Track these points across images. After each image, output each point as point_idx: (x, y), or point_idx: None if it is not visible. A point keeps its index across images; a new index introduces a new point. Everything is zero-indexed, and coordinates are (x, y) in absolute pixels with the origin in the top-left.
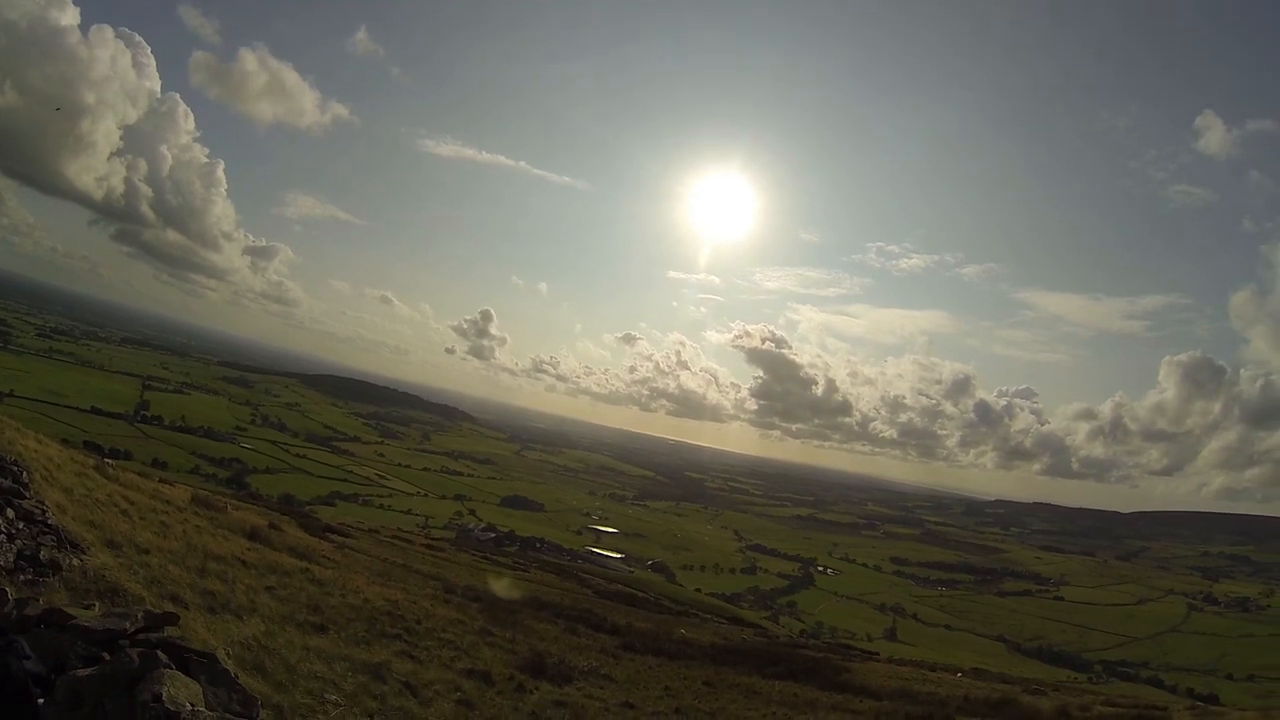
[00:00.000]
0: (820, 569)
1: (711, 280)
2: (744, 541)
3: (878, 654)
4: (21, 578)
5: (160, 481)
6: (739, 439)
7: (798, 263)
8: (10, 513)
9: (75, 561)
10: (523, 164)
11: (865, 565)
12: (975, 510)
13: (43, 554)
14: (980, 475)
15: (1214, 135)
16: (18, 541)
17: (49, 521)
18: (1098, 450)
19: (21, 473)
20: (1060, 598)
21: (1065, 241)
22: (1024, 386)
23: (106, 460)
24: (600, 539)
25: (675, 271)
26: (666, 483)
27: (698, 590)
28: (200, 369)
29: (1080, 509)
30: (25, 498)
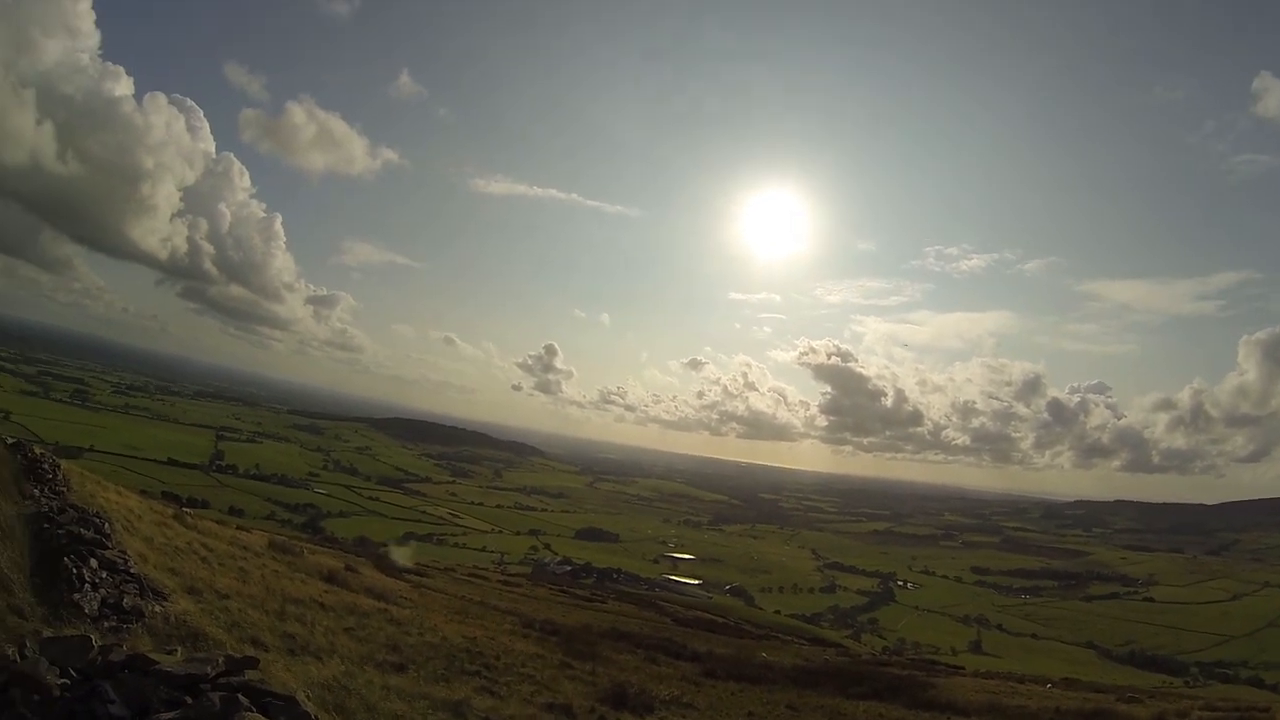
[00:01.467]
0: (900, 583)
1: (773, 299)
2: (822, 560)
3: (963, 668)
4: (106, 625)
5: (237, 528)
6: (811, 457)
7: (857, 273)
8: (94, 563)
9: (157, 608)
10: (575, 196)
11: (946, 577)
12: (1055, 513)
13: (126, 601)
14: (1058, 476)
15: (1273, 97)
16: (101, 590)
17: (131, 570)
18: (1179, 441)
19: (104, 524)
20: (1150, 599)
21: (1127, 226)
22: (1096, 381)
23: (185, 509)
24: (677, 566)
25: (736, 293)
26: (741, 505)
27: (777, 612)
28: (271, 418)
29: (1164, 504)
30: (108, 548)
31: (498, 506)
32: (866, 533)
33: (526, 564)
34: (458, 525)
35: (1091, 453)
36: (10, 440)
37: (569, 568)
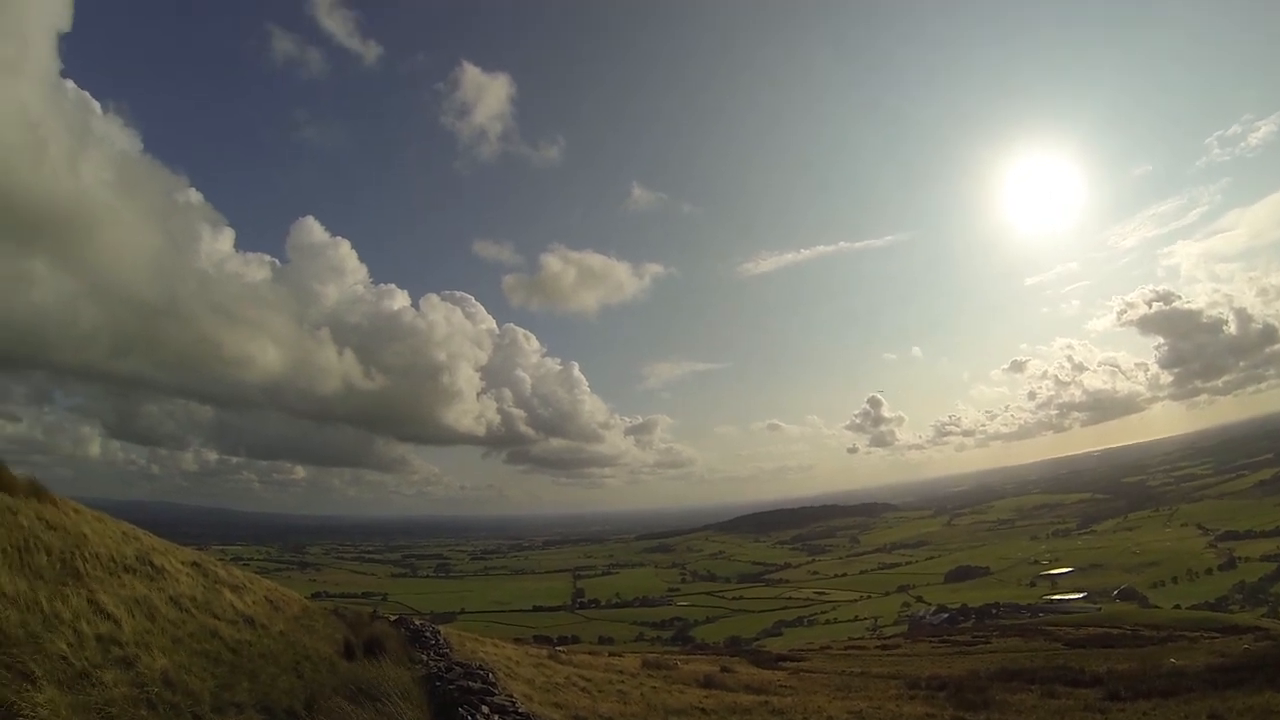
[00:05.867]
0: None
1: (1069, 268)
2: (1210, 533)
3: None
4: None
5: (610, 655)
6: (1166, 421)
7: (1143, 203)
8: (485, 709)
9: None
10: (841, 244)
11: None
12: None
13: None
14: None
15: None
16: None
17: (519, 710)
18: None
19: (488, 674)
20: None
21: None
22: None
23: (557, 648)
24: (1056, 584)
25: (1031, 277)
26: (1107, 498)
27: (1176, 606)
28: (621, 548)
29: None
30: (495, 694)
31: (861, 572)
32: (1253, 487)
33: (901, 622)
34: (825, 602)
35: None
36: (393, 617)
37: (945, 614)
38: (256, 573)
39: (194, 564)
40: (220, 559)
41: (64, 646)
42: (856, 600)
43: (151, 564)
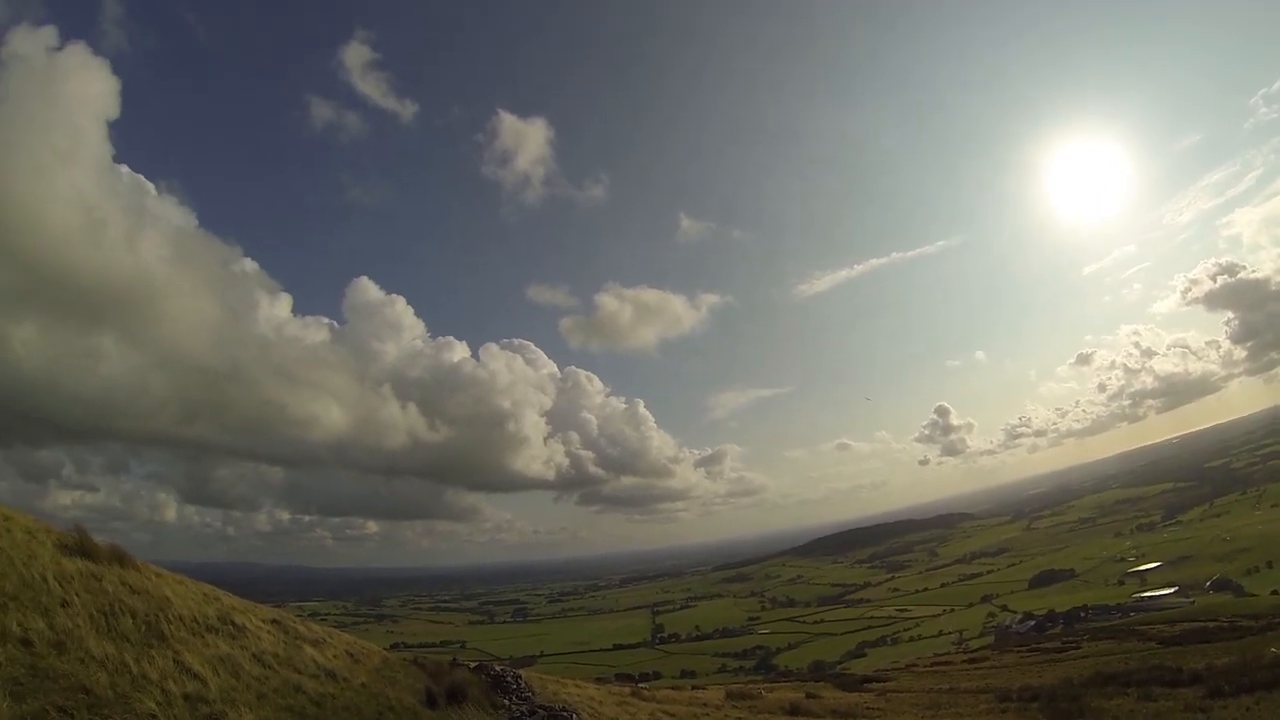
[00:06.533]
0: None
1: (1127, 251)
2: None
3: None
4: None
5: (693, 689)
6: (1245, 399)
7: (1194, 174)
8: None
9: None
10: (894, 255)
11: None
12: None
13: None
14: None
15: None
16: None
17: None
18: None
19: (571, 715)
20: None
21: None
22: None
23: (639, 685)
24: (1145, 580)
25: (1088, 266)
26: (1190, 486)
27: (1274, 593)
28: (698, 581)
29: None
30: None
31: (942, 585)
32: None
33: (987, 633)
34: (908, 619)
35: None
36: (472, 664)
37: (1032, 622)
38: (335, 627)
39: (274, 621)
40: (299, 615)
41: (153, 706)
42: (939, 614)
43: (233, 623)
